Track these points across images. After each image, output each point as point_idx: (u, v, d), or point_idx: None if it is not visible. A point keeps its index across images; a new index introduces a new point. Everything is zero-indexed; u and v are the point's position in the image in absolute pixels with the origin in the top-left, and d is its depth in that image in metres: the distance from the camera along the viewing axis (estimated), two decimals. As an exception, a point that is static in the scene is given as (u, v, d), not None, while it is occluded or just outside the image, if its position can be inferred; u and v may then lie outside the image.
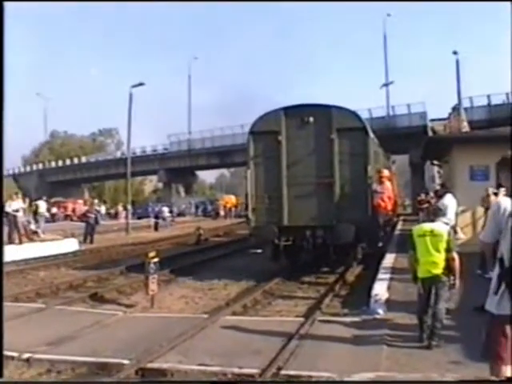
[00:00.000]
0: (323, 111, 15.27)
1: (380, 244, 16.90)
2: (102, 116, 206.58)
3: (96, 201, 43.62)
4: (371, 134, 15.73)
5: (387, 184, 15.99)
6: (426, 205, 21.09)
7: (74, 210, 57.07)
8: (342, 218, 14.64)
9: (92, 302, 12.66)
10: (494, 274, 3.88)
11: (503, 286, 3.75)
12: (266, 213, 15.44)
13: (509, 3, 9.94)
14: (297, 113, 15.39)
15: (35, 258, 20.33)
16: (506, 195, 4.04)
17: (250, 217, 15.68)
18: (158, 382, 6.95)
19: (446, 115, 49.55)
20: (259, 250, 16.71)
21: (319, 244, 14.92)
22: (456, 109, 39.77)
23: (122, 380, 6.74)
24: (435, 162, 33.66)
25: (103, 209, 58.52)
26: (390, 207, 16.40)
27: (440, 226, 7.70)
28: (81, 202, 57.05)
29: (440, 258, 7.39)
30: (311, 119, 15.16)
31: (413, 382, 6.31)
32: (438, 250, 7.40)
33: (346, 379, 6.35)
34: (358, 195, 14.84)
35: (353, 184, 15.02)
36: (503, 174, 4.10)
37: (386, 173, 16.36)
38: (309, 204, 15.13)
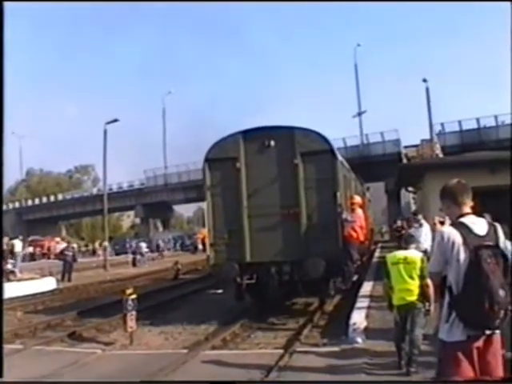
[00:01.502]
0: (285, 133, 13.96)
1: (354, 278, 15.17)
2: (78, 153, 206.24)
3: (58, 239, 42.74)
4: (339, 157, 14.56)
5: (359, 212, 14.79)
6: (403, 231, 21.16)
7: (49, 249, 56.46)
8: (311, 251, 13.28)
9: (71, 341, 12.50)
10: (445, 302, 3.99)
11: (453, 314, 3.86)
12: (226, 248, 14.06)
13: (509, 3, 10.21)
14: (256, 136, 14.09)
15: (12, 298, 20.04)
16: (452, 224, 4.14)
17: (209, 253, 14.44)
18: (157, 382, 6.92)
19: (419, 141, 50.45)
20: (219, 291, 15.53)
21: (286, 281, 13.52)
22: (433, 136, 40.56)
23: (122, 380, 6.72)
24: (410, 188, 34.04)
25: (75, 246, 57.95)
26: (362, 237, 15.10)
27: (413, 254, 7.82)
28: (57, 239, 56.37)
29: (414, 285, 7.48)
30: (272, 143, 13.86)
31: (412, 382, 6.36)
32: (412, 278, 7.50)
33: (346, 379, 6.38)
34: (327, 225, 13.47)
35: (321, 213, 13.66)
36: (445, 202, 4.21)
37: (357, 199, 15.38)
38: (273, 237, 13.71)
